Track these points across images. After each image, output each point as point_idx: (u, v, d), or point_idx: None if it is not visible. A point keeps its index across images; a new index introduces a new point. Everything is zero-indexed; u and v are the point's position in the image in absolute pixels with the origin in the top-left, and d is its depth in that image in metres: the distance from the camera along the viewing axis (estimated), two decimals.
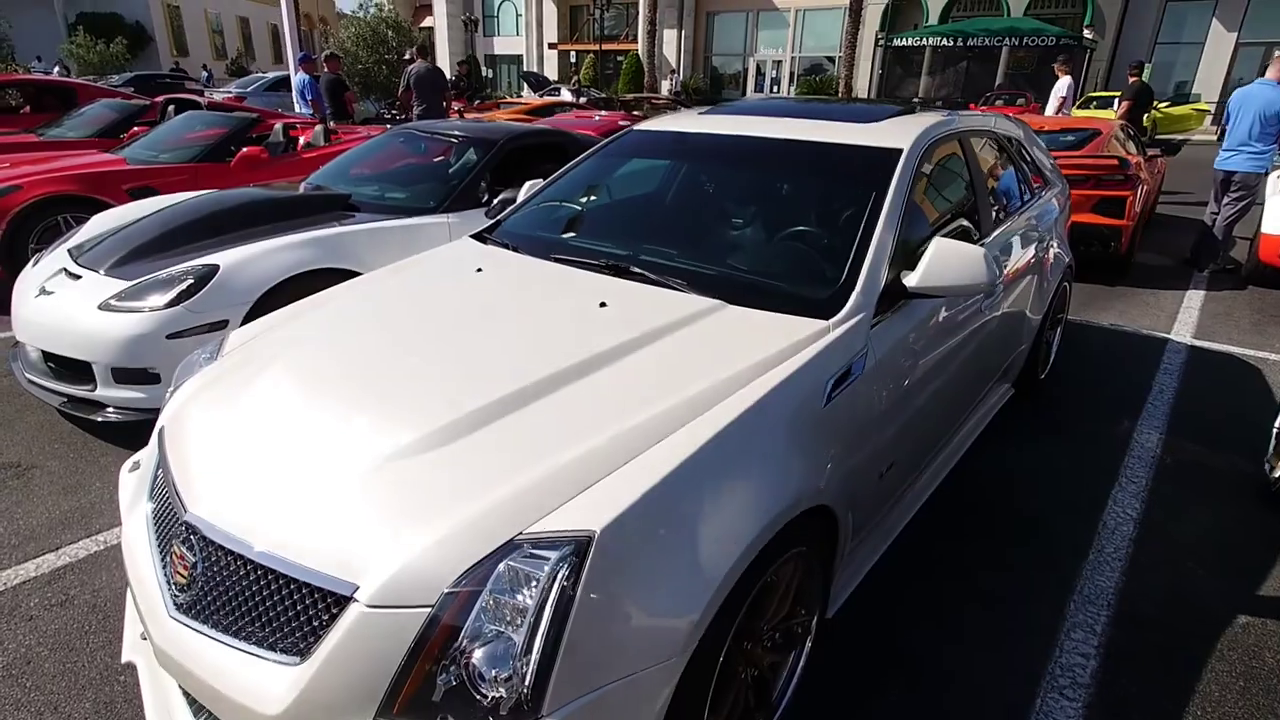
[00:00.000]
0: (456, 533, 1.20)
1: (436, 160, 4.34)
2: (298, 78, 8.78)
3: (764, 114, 2.74)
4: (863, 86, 25.55)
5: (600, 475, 1.29)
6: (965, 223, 2.49)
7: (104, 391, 2.89)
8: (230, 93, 13.73)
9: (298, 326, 1.96)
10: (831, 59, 27.99)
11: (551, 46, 34.39)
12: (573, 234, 2.43)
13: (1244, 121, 5.17)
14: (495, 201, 3.85)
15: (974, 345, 2.45)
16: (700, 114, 2.93)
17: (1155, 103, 9.47)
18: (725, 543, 1.29)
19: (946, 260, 1.86)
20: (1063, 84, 9.70)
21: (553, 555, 1.16)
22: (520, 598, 1.12)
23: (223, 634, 1.27)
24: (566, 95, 19.00)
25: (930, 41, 23.31)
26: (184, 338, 2.86)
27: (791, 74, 28.98)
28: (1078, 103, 16.75)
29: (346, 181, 4.31)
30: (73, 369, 2.95)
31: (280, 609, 1.24)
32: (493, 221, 2.69)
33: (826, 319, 1.75)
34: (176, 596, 1.36)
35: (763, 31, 29.48)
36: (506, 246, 2.39)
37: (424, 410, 1.46)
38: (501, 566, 1.16)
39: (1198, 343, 4.33)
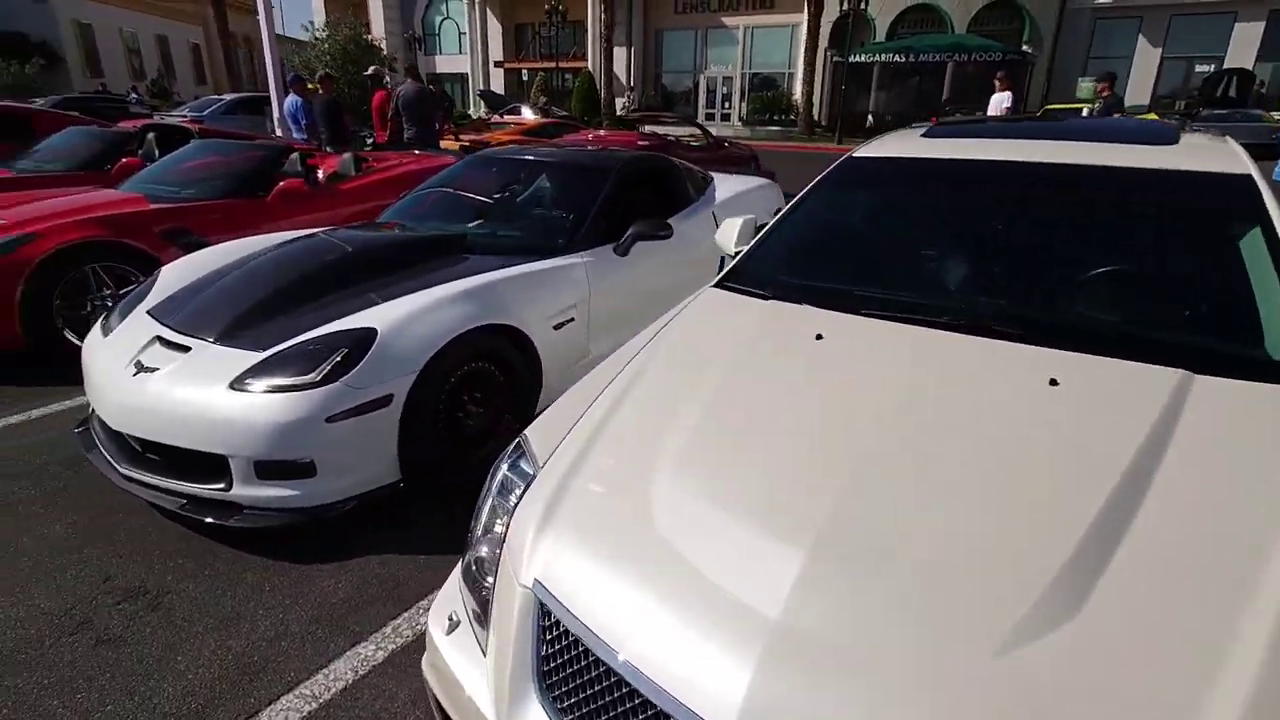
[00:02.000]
0: None
1: (543, 192, 3.90)
2: (289, 100, 8.08)
3: (1015, 136, 2.46)
4: (816, 101, 25.98)
5: None
6: None
7: (242, 490, 2.34)
8: (185, 115, 12.65)
9: (638, 428, 1.51)
10: (780, 75, 28.43)
11: (498, 64, 33.83)
12: (875, 282, 2.06)
13: None
14: (625, 237, 3.49)
15: None
16: (923, 136, 2.61)
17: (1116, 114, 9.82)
18: None
19: None
20: (1002, 97, 9.88)
21: None
22: None
23: None
24: (528, 114, 18.43)
25: (882, 58, 23.91)
26: (345, 419, 2.35)
27: (742, 90, 29.27)
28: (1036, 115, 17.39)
29: (428, 218, 3.83)
30: (194, 463, 2.39)
31: None
32: (730, 268, 2.30)
33: None
34: None
35: (712, 49, 29.72)
36: (773, 298, 1.99)
37: (997, 571, 1.07)
38: None
39: None
